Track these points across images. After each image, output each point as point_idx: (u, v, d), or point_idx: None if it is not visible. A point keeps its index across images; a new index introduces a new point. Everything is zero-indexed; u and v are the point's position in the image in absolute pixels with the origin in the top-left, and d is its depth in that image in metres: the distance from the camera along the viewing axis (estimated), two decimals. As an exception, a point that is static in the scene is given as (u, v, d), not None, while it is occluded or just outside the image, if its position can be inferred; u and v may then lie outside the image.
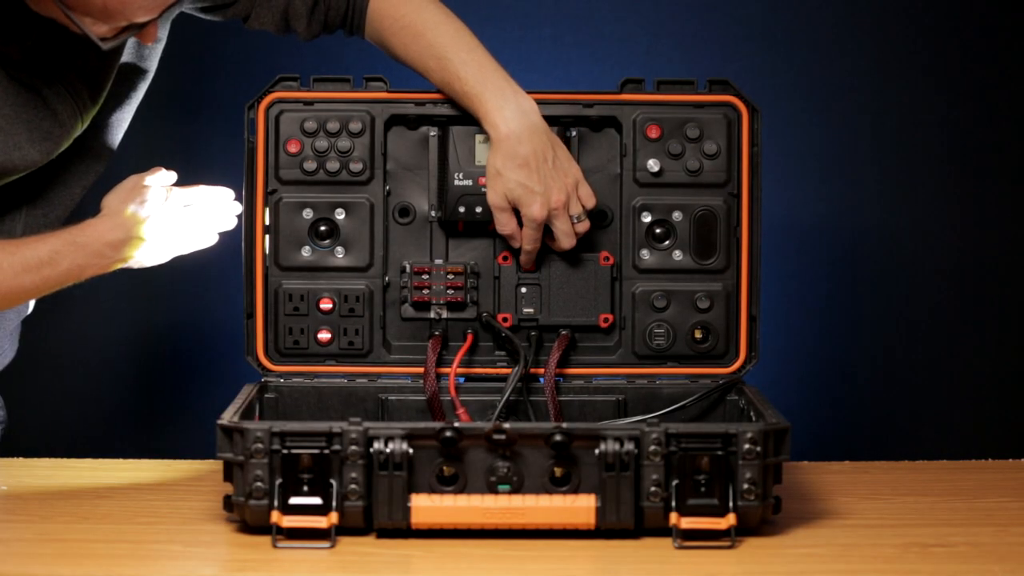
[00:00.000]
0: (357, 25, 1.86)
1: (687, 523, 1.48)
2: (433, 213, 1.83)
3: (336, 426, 1.49)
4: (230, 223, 1.85)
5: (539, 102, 1.77)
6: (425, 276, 1.83)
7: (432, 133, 1.82)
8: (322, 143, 1.81)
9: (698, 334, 1.83)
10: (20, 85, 1.70)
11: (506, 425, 1.49)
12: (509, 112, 1.73)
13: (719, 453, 1.49)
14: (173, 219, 1.79)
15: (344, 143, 1.81)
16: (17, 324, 1.95)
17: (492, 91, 1.74)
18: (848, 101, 2.56)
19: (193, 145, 2.54)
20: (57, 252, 1.71)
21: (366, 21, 1.85)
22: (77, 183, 1.83)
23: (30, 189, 1.79)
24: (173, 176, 1.81)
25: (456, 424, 1.49)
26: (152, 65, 1.88)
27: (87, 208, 1.80)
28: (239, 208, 1.85)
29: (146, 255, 1.78)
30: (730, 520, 1.48)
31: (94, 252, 1.73)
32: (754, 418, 1.68)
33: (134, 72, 1.85)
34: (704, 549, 1.48)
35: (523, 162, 1.73)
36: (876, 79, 2.56)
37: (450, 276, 1.83)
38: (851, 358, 2.61)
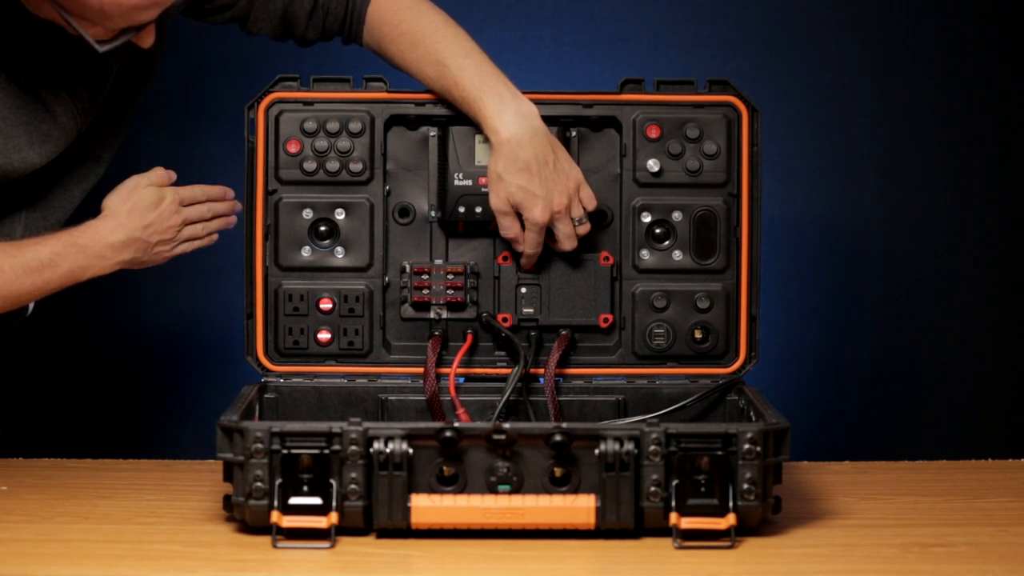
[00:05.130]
0: (355, 32, 1.86)
1: (687, 523, 1.48)
2: (433, 213, 1.83)
3: (336, 426, 1.49)
4: (230, 222, 1.85)
5: (539, 102, 1.77)
6: (425, 276, 1.83)
7: (432, 133, 1.82)
8: (322, 143, 1.81)
9: (698, 334, 1.83)
10: (19, 87, 1.70)
11: (506, 425, 1.49)
12: (509, 116, 1.73)
13: (719, 453, 1.49)
14: (173, 219, 1.79)
15: (344, 143, 1.81)
16: (15, 327, 1.95)
17: (491, 96, 1.74)
18: (848, 101, 2.56)
19: (193, 145, 2.54)
20: (58, 254, 1.71)
21: (364, 28, 1.85)
22: (77, 186, 1.83)
23: (30, 192, 1.79)
24: (173, 176, 1.81)
25: (456, 424, 1.49)
26: (152, 69, 1.88)
27: (87, 210, 1.80)
28: (239, 207, 1.85)
29: (147, 256, 1.78)
30: (730, 520, 1.48)
31: (95, 253, 1.73)
32: (754, 418, 1.68)
33: (134, 76, 1.85)
34: (704, 549, 1.48)
35: (524, 166, 1.73)
36: (876, 79, 2.56)
37: (450, 276, 1.83)
38: (851, 358, 2.61)
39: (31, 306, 1.91)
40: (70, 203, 1.83)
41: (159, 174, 1.79)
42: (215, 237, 1.85)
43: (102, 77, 1.78)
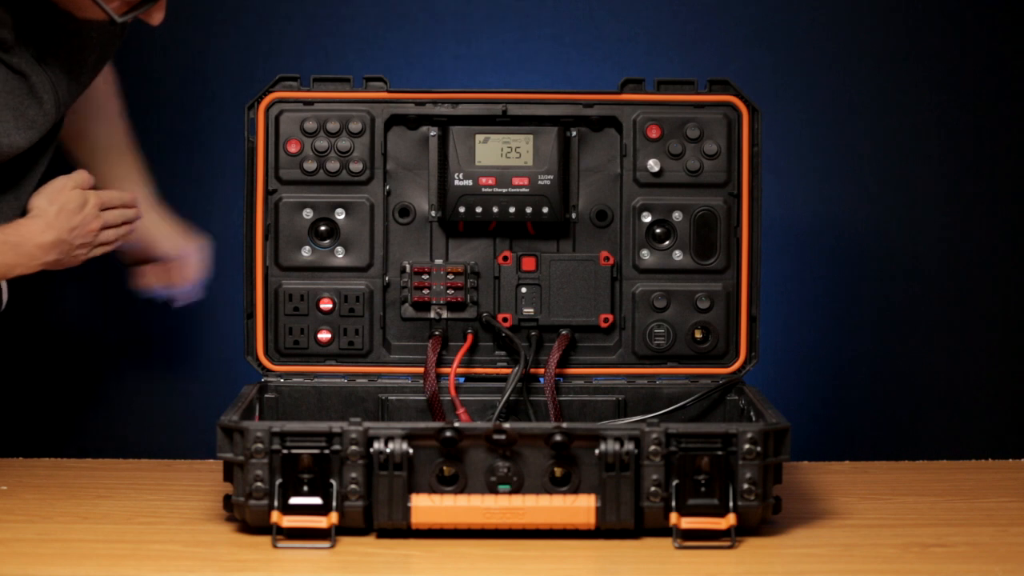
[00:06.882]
0: None
1: (687, 523, 1.49)
2: (433, 213, 1.83)
3: (336, 426, 1.49)
4: (133, 230, 1.83)
5: (539, 102, 1.77)
6: (425, 276, 1.83)
7: (432, 133, 1.82)
8: (322, 143, 1.81)
9: (698, 334, 1.83)
10: (10, 70, 1.70)
11: (506, 425, 1.49)
12: None
13: (719, 453, 1.49)
14: (95, 223, 1.78)
15: (344, 143, 1.81)
16: None
17: None
18: (848, 101, 2.56)
19: (193, 145, 2.54)
20: None
21: None
22: (43, 170, 1.82)
23: (8, 176, 1.78)
24: (93, 179, 1.80)
25: (456, 424, 1.49)
26: (105, 65, 1.88)
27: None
28: (141, 216, 1.83)
29: (67, 257, 1.77)
30: (730, 520, 1.48)
31: (25, 252, 1.72)
32: (754, 418, 1.68)
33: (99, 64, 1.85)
34: (704, 549, 1.48)
35: None
36: (876, 79, 2.56)
37: (450, 276, 1.83)
38: (851, 358, 2.61)
39: (5, 300, 1.90)
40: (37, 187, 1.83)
41: (83, 177, 1.78)
42: (121, 243, 1.84)
43: (78, 68, 1.78)
